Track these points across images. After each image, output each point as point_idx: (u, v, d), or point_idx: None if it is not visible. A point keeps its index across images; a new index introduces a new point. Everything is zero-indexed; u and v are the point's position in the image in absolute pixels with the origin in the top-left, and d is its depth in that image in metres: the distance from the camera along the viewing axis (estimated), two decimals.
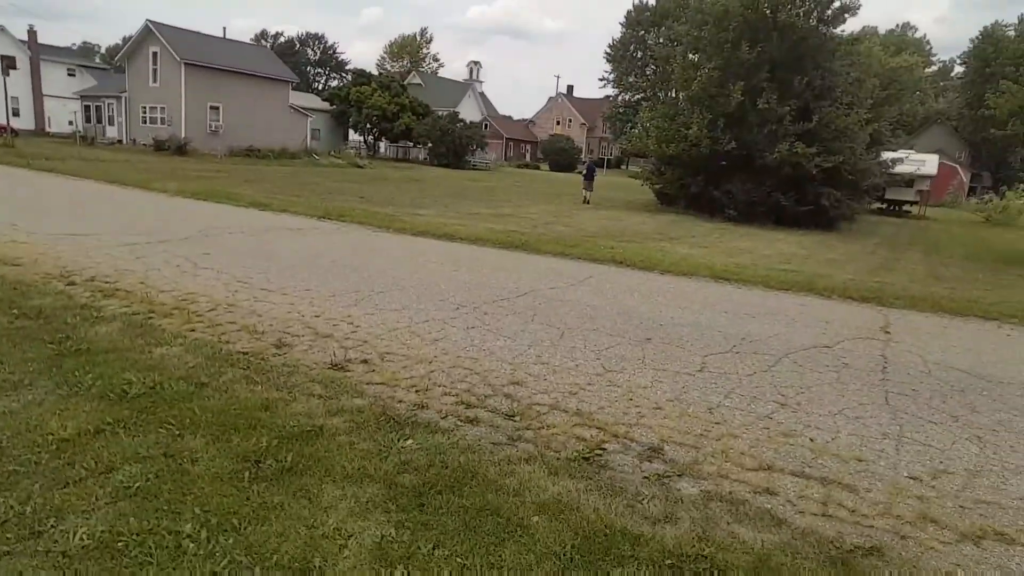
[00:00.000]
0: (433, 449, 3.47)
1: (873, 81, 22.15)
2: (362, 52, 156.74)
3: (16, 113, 42.63)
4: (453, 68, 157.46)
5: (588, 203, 24.49)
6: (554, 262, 10.03)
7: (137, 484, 2.90)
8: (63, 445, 3.18)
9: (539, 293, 7.58)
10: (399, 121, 49.35)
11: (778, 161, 19.70)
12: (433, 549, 2.62)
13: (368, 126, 50.74)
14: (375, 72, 59.40)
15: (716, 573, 2.63)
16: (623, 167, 70.12)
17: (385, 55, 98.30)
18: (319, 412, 3.83)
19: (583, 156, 68.51)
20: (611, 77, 73.07)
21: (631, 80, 70.84)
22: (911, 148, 34.16)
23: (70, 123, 46.14)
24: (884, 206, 32.89)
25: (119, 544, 2.50)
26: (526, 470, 3.33)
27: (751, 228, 19.33)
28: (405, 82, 61.01)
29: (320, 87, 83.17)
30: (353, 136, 55.62)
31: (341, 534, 2.68)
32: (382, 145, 56.09)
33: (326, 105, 52.27)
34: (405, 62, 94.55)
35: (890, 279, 11.14)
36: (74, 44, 78.48)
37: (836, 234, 19.97)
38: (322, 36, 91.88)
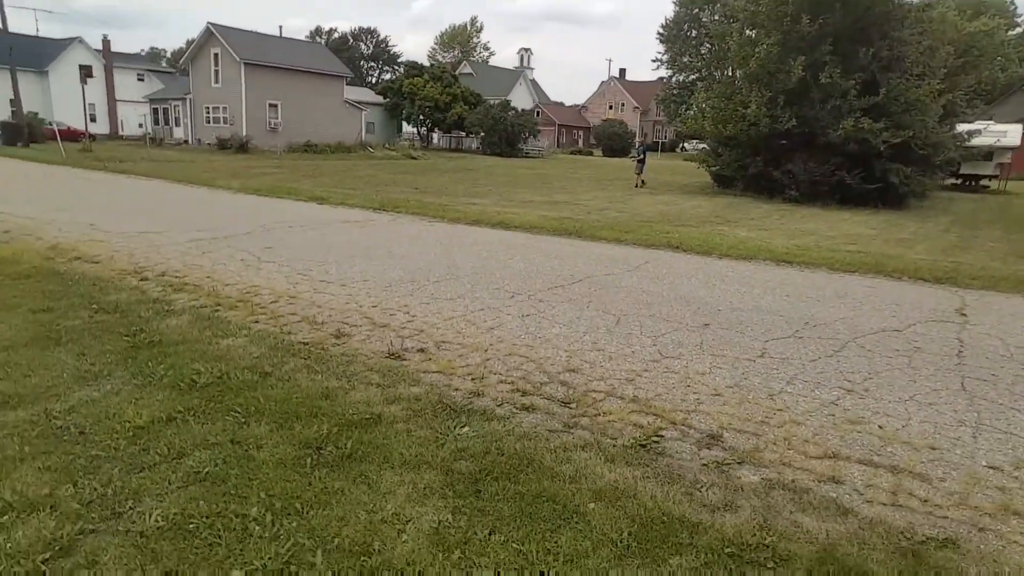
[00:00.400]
0: (489, 436, 3.49)
1: (947, 49, 20.73)
2: (414, 44, 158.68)
3: (93, 119, 45.10)
4: (504, 56, 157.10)
5: (642, 186, 24.38)
6: (609, 248, 9.91)
7: (206, 469, 3.03)
8: (139, 432, 3.35)
9: (594, 280, 7.51)
10: (451, 111, 49.74)
11: (842, 138, 18.84)
12: (489, 535, 2.64)
13: (421, 117, 51.36)
14: (427, 64, 59.93)
15: (778, 563, 2.56)
16: (679, 150, 68.60)
17: (436, 46, 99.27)
18: (377, 400, 3.91)
19: (636, 140, 67.42)
20: (664, 58, 71.20)
21: (685, 60, 68.91)
22: (990, 118, 32.01)
23: (140, 126, 48.61)
24: (959, 181, 31.06)
25: (191, 526, 2.62)
26: (582, 457, 3.32)
27: (814, 208, 18.61)
28: (456, 72, 61.38)
29: (374, 80, 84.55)
30: (407, 128, 56.40)
31: (400, 519, 2.73)
32: (435, 136, 56.71)
33: (380, 98, 53.17)
34: (456, 52, 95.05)
35: (966, 259, 10.53)
36: (142, 50, 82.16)
37: (906, 212, 18.99)
38: (374, 30, 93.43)
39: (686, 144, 66.26)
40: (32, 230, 9.24)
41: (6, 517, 2.61)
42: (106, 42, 50.72)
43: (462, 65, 74.87)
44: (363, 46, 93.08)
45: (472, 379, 4.37)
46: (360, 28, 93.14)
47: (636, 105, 79.44)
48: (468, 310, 6.03)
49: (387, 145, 47.32)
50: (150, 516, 2.66)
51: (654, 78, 77.40)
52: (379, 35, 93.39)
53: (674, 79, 70.87)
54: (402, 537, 2.61)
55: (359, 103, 47.06)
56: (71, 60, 47.09)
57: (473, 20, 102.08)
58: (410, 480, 3.02)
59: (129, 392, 3.83)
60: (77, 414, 3.51)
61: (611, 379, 4.46)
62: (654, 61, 75.67)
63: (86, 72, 33.62)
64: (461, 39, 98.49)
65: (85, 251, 7.90)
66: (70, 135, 35.69)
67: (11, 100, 34.65)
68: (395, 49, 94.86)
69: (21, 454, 3.08)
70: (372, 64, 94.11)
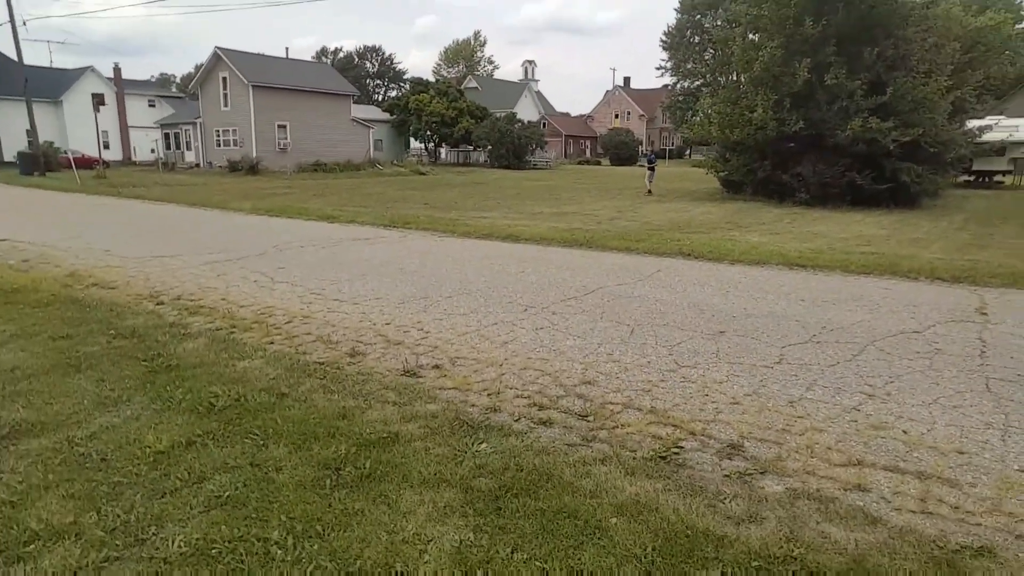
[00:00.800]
0: (507, 452, 3.47)
1: (953, 45, 20.55)
2: (419, 60, 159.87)
3: (106, 145, 45.82)
4: (508, 69, 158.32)
5: (651, 193, 24.51)
6: (620, 258, 9.89)
7: (227, 493, 3.03)
8: (159, 457, 3.36)
9: (607, 290, 7.49)
10: (458, 126, 50.07)
11: (851, 138, 18.72)
12: (512, 552, 2.61)
13: (428, 133, 51.74)
14: (432, 79, 60.40)
15: (807, 575, 2.51)
16: (686, 156, 68.58)
17: (441, 62, 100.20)
18: (394, 419, 3.90)
19: (643, 148, 67.47)
20: (668, 65, 71.47)
21: (689, 67, 69.05)
22: (1001, 114, 31.69)
23: (152, 151, 49.31)
24: (972, 178, 30.74)
25: (213, 551, 2.61)
26: (602, 471, 3.29)
27: (825, 211, 18.48)
28: (462, 87, 61.86)
29: (380, 98, 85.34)
30: (414, 144, 56.81)
31: (421, 539, 2.71)
32: (443, 151, 57.06)
33: (387, 115, 53.61)
34: (461, 67, 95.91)
35: (984, 256, 10.39)
36: (153, 76, 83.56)
37: (919, 211, 18.81)
38: (379, 48, 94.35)
39: (691, 150, 66.24)
40: (50, 258, 9.36)
41: (33, 546, 2.63)
42: (117, 70, 51.59)
43: (467, 80, 75.42)
44: (368, 64, 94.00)
45: (488, 394, 4.35)
46: (365, 46, 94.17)
47: (642, 113, 79.60)
48: (482, 325, 6.03)
49: (395, 162, 47.66)
50: (173, 542, 2.67)
51: (659, 85, 77.72)
52: (384, 53, 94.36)
53: (679, 85, 70.96)
54: (424, 557, 2.60)
55: (366, 121, 47.47)
56: (84, 89, 47.95)
57: (476, 34, 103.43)
58: (430, 499, 3.01)
59: (148, 417, 3.85)
60: (98, 440, 3.53)
61: (628, 390, 4.43)
62: (658, 68, 75.41)
63: (98, 100, 34.20)
64: (465, 54, 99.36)
65: (102, 277, 7.99)
66: (84, 163, 36.23)
67: (27, 131, 35.28)
68: (400, 66, 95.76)
69: (45, 482, 3.09)
70: (378, 82, 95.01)
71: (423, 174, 38.35)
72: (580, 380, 4.61)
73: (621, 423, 3.92)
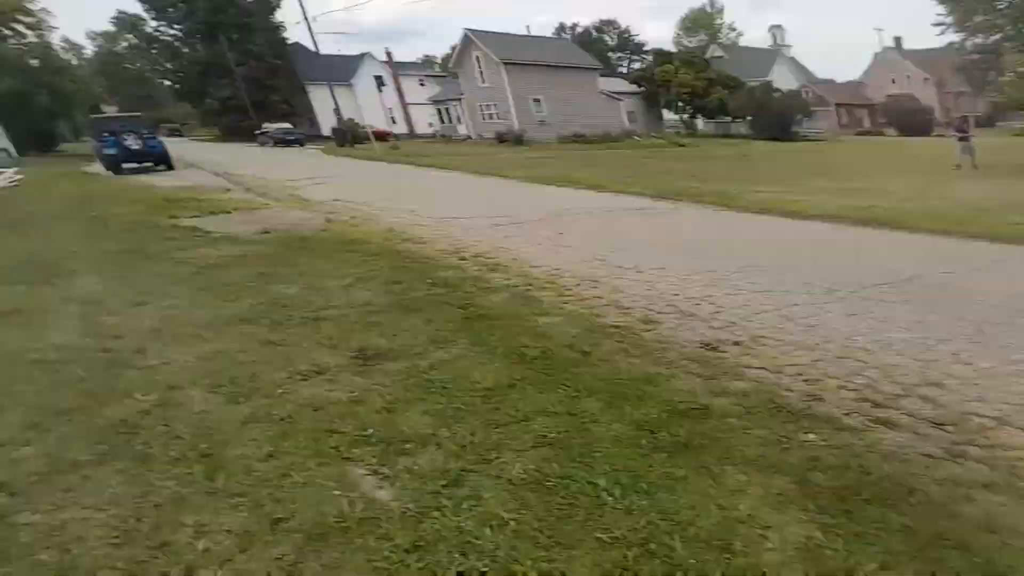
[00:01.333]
0: (844, 449, 3.08)
1: None
2: (654, 33, 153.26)
3: (393, 121, 52.20)
4: (753, 37, 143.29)
5: (976, 168, 20.93)
6: (936, 241, 8.40)
7: (551, 435, 3.16)
8: (488, 393, 3.62)
9: (928, 278, 6.40)
10: (711, 96, 47.64)
11: None
12: (879, 570, 2.30)
13: (680, 104, 49.98)
14: (673, 50, 57.79)
15: None
16: (998, 124, 56.61)
17: (680, 32, 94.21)
18: (702, 391, 3.74)
19: (939, 116, 57.29)
20: (949, 20, 58.61)
21: (978, 19, 55.81)
22: None
23: (430, 125, 54.94)
24: None
25: (548, 484, 2.74)
26: (990, 500, 2.72)
27: None
28: (707, 56, 58.30)
29: (624, 71, 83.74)
30: (667, 115, 55.30)
31: (757, 523, 2.53)
32: (699, 122, 54.73)
33: (634, 88, 52.89)
34: (701, 36, 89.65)
35: None
36: (418, 58, 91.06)
37: None
38: (615, 21, 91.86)
39: (1006, 117, 54.36)
40: (371, 216, 10.86)
41: (410, 445, 3.07)
42: (389, 54, 57.60)
43: (711, 49, 70.79)
44: (607, 38, 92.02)
45: (804, 380, 3.95)
46: (602, 20, 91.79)
47: (926, 76, 67.13)
48: (780, 304, 5.54)
49: (652, 133, 46.96)
50: (513, 467, 2.86)
51: (942, 44, 64.37)
52: (620, 25, 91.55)
53: (968, 43, 57.83)
54: (766, 544, 2.42)
55: (616, 94, 47.29)
56: (366, 72, 54.36)
57: (712, 1, 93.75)
58: (759, 482, 2.80)
59: (472, 357, 4.18)
60: (437, 371, 3.94)
61: (996, 402, 3.62)
62: (936, 25, 62.19)
63: (380, 81, 39.09)
64: (704, 22, 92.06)
65: (413, 233, 9.03)
66: (379, 135, 41.90)
67: (334, 110, 41.93)
68: (639, 38, 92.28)
69: (406, 398, 3.57)
70: (619, 55, 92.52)
71: (682, 146, 37.27)
72: (921, 380, 3.93)
73: (1000, 443, 3.22)
